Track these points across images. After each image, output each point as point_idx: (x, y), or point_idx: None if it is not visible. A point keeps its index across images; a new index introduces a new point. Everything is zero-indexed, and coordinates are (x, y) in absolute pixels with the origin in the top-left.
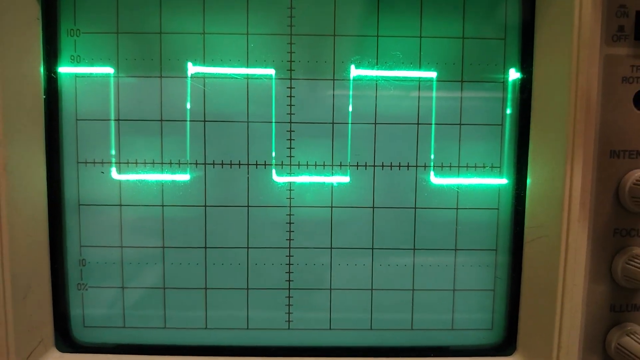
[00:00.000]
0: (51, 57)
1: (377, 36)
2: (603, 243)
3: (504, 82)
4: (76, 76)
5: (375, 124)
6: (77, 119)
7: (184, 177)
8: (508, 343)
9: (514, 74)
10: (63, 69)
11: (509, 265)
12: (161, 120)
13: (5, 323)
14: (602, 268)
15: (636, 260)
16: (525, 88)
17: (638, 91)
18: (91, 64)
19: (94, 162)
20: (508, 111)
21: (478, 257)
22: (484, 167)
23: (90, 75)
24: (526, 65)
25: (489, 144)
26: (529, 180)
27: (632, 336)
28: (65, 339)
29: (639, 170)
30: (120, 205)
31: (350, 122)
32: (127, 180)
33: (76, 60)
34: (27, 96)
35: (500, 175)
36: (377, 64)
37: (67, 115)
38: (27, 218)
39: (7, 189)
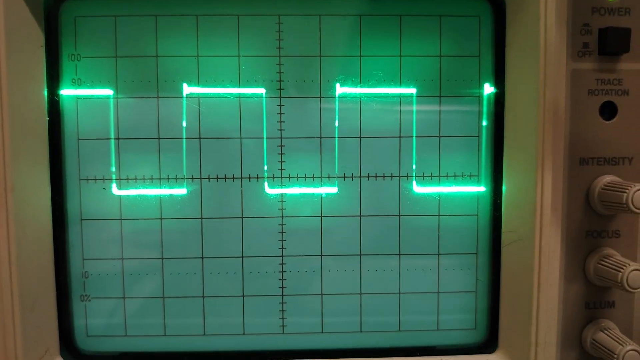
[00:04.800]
0: (54, 81)
1: (360, 56)
2: (576, 245)
3: (480, 97)
4: (77, 98)
5: (360, 137)
6: (78, 138)
7: (180, 191)
8: (490, 341)
9: (488, 89)
10: (65, 92)
11: (489, 268)
12: (158, 138)
13: (14, 333)
14: (576, 268)
15: (607, 260)
16: (499, 102)
17: (603, 102)
18: (91, 86)
19: (95, 179)
20: (484, 123)
21: (460, 260)
22: (463, 176)
23: (90, 97)
24: (499, 81)
25: (468, 154)
26: (504, 188)
27: (606, 332)
28: (69, 348)
29: (607, 176)
30: (121, 219)
31: (336, 136)
32: (127, 196)
33: (77, 83)
34: (32, 119)
35: (478, 183)
36: (360, 82)
37: (70, 135)
38: (32, 234)
39: (15, 208)
